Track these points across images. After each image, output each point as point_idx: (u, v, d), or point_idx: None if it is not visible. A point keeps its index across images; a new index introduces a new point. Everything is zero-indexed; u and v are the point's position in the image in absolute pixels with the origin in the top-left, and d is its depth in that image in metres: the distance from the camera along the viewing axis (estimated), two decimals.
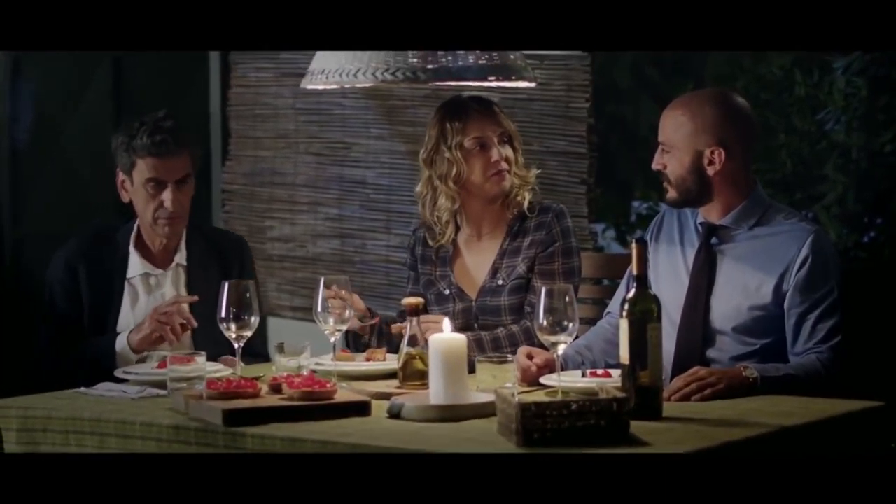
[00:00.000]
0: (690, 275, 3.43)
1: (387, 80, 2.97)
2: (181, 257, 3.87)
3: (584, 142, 4.76)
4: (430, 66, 2.96)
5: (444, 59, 2.95)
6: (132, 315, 3.83)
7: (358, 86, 3.09)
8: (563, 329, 3.00)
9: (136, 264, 3.86)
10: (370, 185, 5.30)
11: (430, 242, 3.78)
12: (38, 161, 6.94)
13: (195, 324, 3.64)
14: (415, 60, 2.96)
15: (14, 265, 6.77)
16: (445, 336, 3.03)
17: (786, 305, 3.33)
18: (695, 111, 3.38)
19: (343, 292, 3.31)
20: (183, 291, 3.84)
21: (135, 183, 3.81)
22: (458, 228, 3.77)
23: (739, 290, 3.37)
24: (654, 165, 3.43)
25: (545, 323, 2.99)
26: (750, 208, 3.42)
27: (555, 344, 3.01)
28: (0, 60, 6.57)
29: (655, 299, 2.96)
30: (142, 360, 3.66)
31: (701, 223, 3.45)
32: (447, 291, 3.74)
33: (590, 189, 4.77)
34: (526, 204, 3.67)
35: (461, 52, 2.99)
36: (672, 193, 3.42)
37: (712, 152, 3.37)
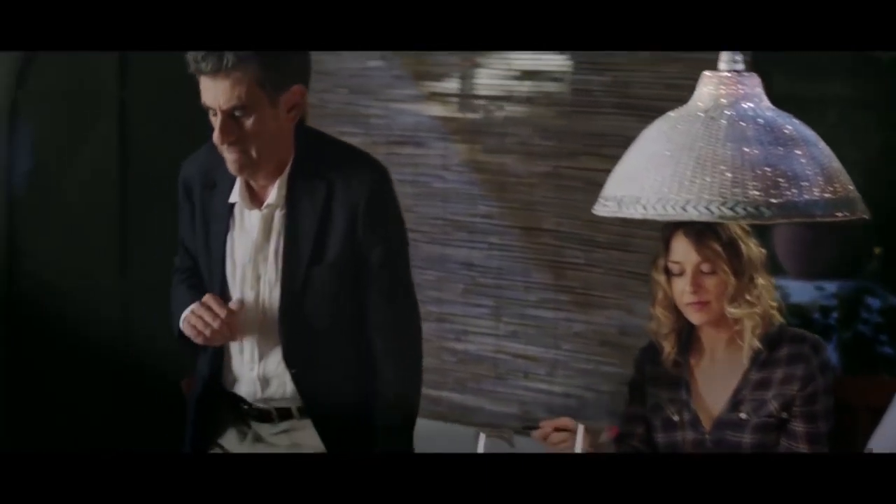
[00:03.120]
0: None
1: (725, 215, 2.51)
2: (274, 196, 3.26)
3: None
4: (773, 201, 2.51)
5: (788, 192, 2.51)
6: (232, 247, 3.32)
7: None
8: None
9: (235, 190, 3.31)
10: (477, 267, 4.83)
11: (661, 358, 3.36)
12: (36, 211, 6.49)
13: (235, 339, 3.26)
14: (757, 193, 2.51)
15: (6, 325, 6.28)
16: None
17: None
18: None
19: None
20: (274, 239, 3.27)
21: None
22: (690, 344, 3.36)
23: None
24: None
25: None
26: None
27: None
28: None
29: None
30: None
31: None
32: (676, 417, 3.32)
33: None
34: (753, 341, 3.26)
35: (805, 183, 2.55)
36: None
37: None
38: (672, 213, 2.56)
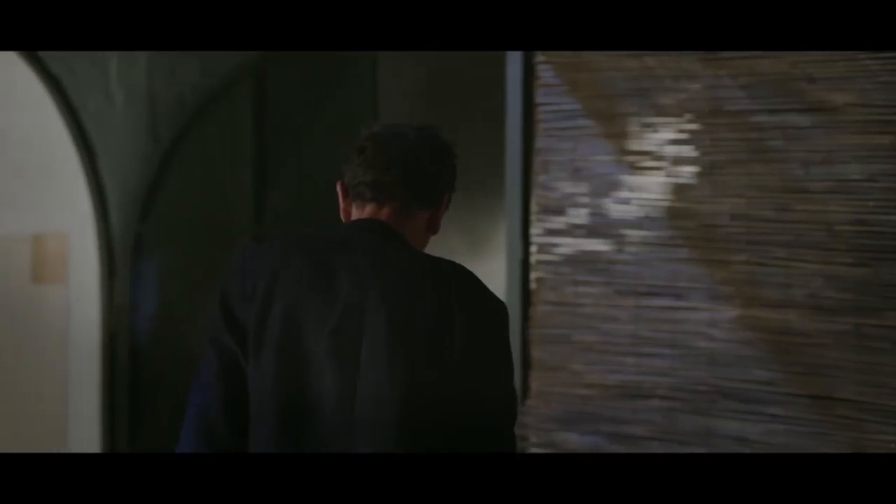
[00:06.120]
0: None
1: None
2: None
3: None
4: None
5: None
6: None
7: None
8: None
9: None
10: (753, 443, 4.04)
11: None
12: (159, 360, 5.84)
13: None
14: None
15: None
16: None
17: None
18: None
19: None
20: None
21: None
22: None
23: None
24: None
25: None
26: None
27: None
28: (118, 238, 5.50)
29: None
30: None
31: None
32: None
33: None
34: None
35: None
36: None
37: None
38: None
